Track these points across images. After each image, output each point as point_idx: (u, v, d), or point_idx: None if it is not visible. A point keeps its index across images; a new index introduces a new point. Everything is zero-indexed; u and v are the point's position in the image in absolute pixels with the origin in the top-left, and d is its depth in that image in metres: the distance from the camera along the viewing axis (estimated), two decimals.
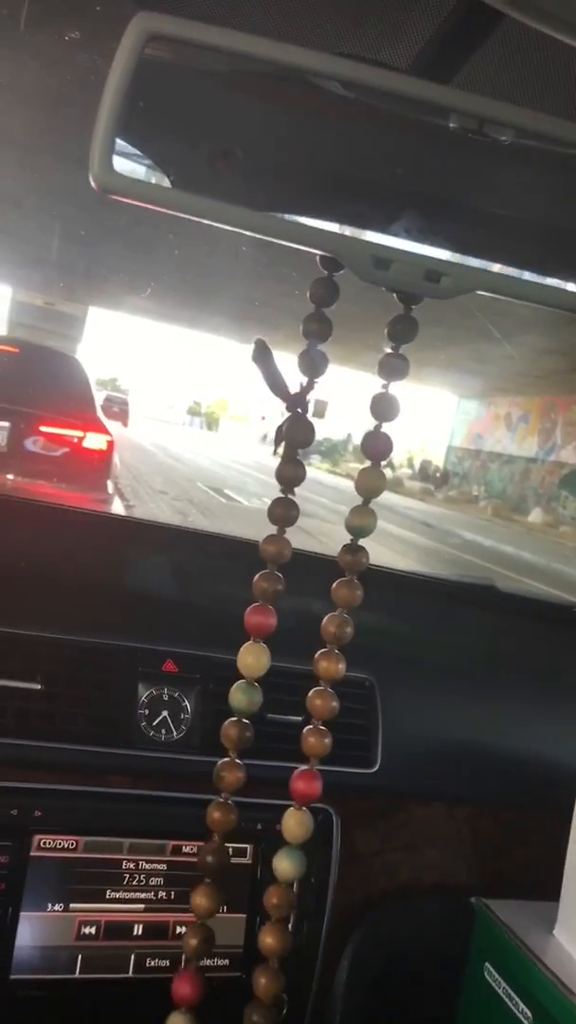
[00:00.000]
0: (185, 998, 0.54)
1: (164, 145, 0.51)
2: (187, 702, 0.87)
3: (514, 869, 1.00)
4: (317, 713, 0.56)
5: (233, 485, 10.73)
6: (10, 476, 3.83)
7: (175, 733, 0.86)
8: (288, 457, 0.59)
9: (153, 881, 0.83)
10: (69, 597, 0.91)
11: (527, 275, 0.57)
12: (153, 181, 0.50)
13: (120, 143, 0.48)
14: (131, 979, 0.81)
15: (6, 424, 4.10)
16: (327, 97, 0.56)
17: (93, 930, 0.80)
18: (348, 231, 0.56)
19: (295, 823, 0.55)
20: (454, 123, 0.54)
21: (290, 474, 0.59)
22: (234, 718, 0.55)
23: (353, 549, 0.59)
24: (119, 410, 10.75)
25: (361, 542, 0.58)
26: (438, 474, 16.82)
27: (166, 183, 0.51)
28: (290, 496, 0.59)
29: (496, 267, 0.59)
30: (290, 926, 0.82)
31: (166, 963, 0.82)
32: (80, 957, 0.79)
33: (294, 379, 0.60)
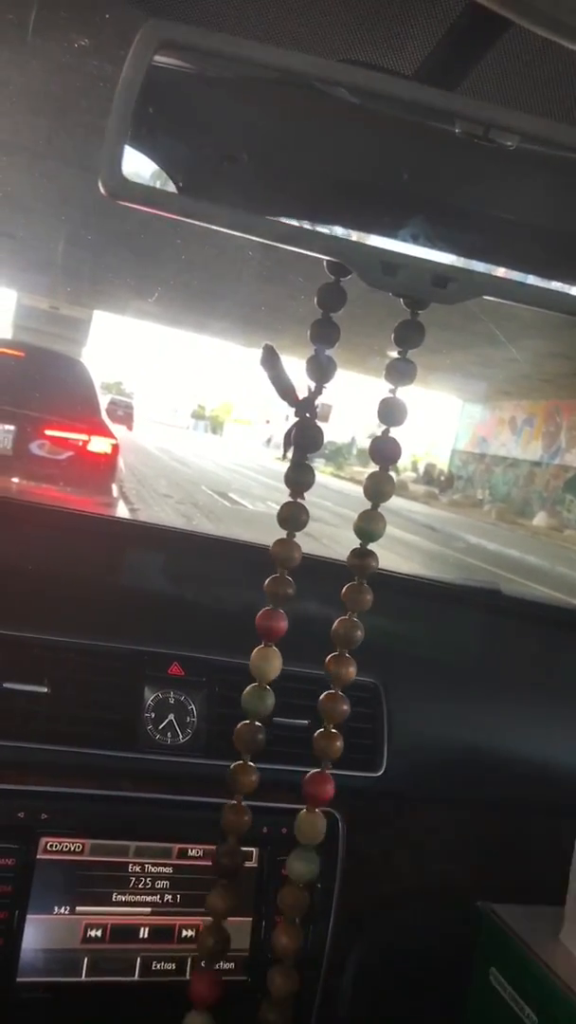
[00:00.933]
0: (202, 997, 0.55)
1: (173, 151, 0.52)
2: (193, 705, 0.87)
3: (520, 873, 1.00)
4: (328, 716, 0.56)
5: (238, 489, 10.73)
6: (15, 480, 3.84)
7: (181, 736, 0.86)
8: (297, 461, 0.60)
9: (159, 884, 0.83)
10: (75, 600, 0.91)
11: (532, 279, 0.57)
12: (162, 187, 0.51)
13: (129, 149, 0.49)
14: (137, 982, 0.81)
15: (11, 428, 4.12)
16: (334, 103, 0.56)
17: (99, 933, 0.80)
18: (355, 236, 0.56)
19: (308, 825, 0.55)
20: (460, 128, 0.54)
21: (299, 478, 0.59)
22: (247, 721, 0.56)
23: (362, 553, 0.59)
24: (124, 413, 10.77)
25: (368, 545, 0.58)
26: (442, 478, 16.81)
27: (174, 189, 0.51)
28: (299, 500, 0.59)
29: (501, 271, 0.59)
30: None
31: (172, 966, 0.82)
32: (86, 960, 0.80)
33: (302, 383, 0.61)
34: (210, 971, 0.56)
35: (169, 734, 0.86)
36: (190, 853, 0.85)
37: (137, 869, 0.83)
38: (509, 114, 0.49)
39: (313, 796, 0.56)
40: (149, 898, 0.82)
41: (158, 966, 0.82)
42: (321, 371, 0.59)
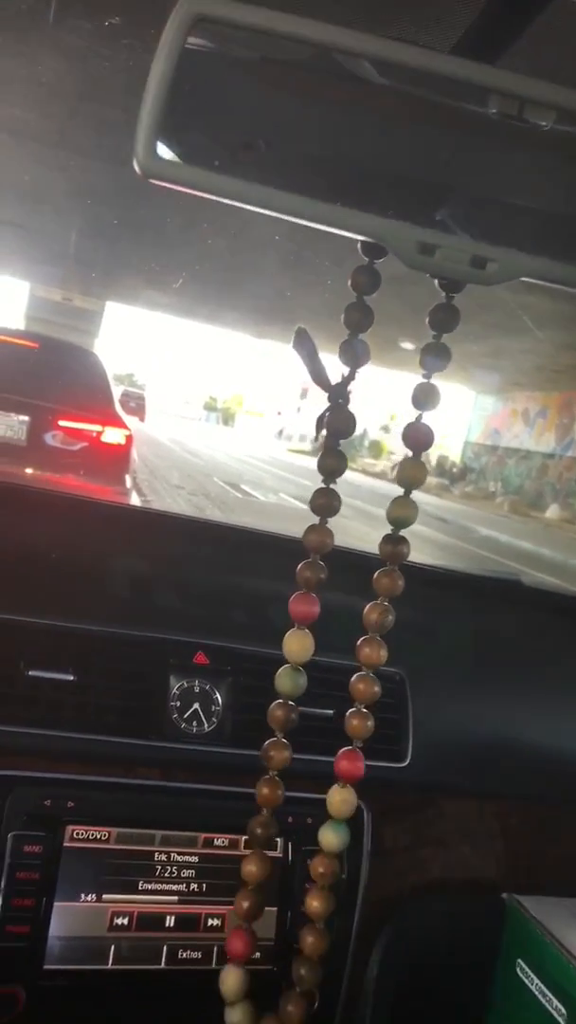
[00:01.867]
0: (237, 953, 0.58)
1: (208, 131, 0.51)
2: (218, 694, 0.87)
3: (546, 865, 0.99)
4: (360, 697, 0.58)
5: (249, 480, 10.74)
6: (29, 470, 3.84)
7: (206, 725, 0.86)
8: (329, 448, 0.59)
9: (185, 873, 0.83)
10: (99, 589, 0.91)
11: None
12: (197, 167, 0.50)
13: (164, 130, 0.48)
14: (163, 970, 0.81)
15: (26, 418, 4.12)
16: (369, 86, 0.56)
17: (126, 921, 0.80)
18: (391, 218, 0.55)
19: (340, 800, 0.58)
20: (494, 108, 0.53)
21: (331, 465, 0.59)
22: (280, 700, 0.58)
23: (394, 540, 0.60)
24: (136, 405, 10.78)
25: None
26: (455, 469, 16.75)
27: (210, 169, 0.50)
28: (332, 486, 0.59)
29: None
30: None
31: (198, 955, 0.82)
32: (113, 948, 0.79)
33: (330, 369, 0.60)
34: (244, 929, 0.59)
35: (194, 723, 0.85)
36: (216, 843, 0.84)
37: (163, 858, 0.82)
38: (547, 88, 0.48)
39: (345, 772, 0.58)
40: (175, 887, 0.82)
41: (184, 954, 0.82)
42: (355, 356, 0.59)
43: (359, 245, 0.57)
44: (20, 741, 0.79)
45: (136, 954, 0.80)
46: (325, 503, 0.59)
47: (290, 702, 0.59)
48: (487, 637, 1.12)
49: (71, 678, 0.82)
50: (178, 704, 0.85)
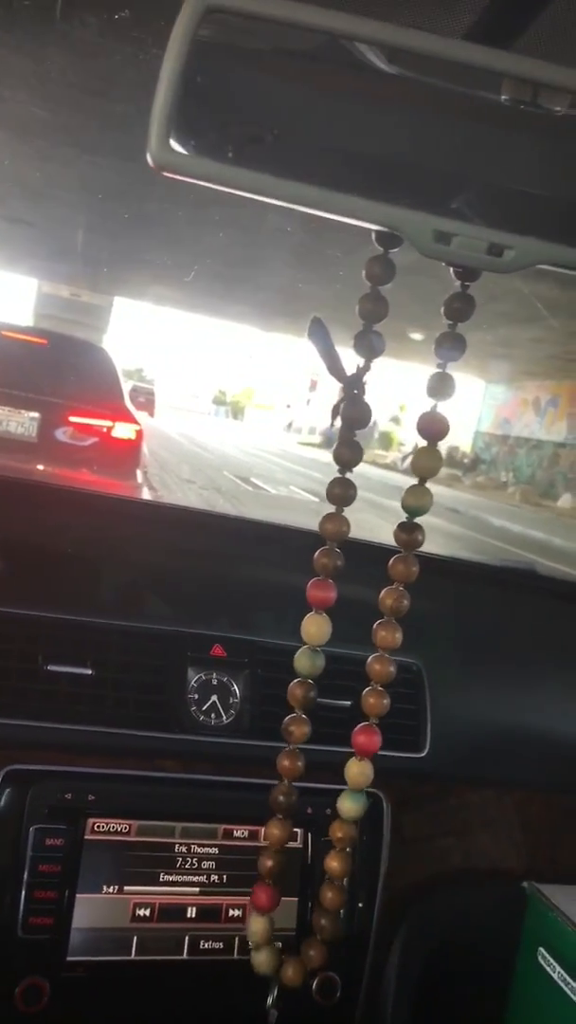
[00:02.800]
0: (262, 906, 0.62)
1: (221, 122, 0.51)
2: (235, 687, 0.87)
3: (567, 854, 0.99)
4: (376, 677, 0.60)
5: (260, 473, 10.73)
6: (40, 466, 3.85)
7: (224, 717, 0.86)
8: (345, 438, 0.59)
9: (206, 865, 0.83)
10: (116, 583, 0.91)
11: None
12: (210, 159, 0.50)
13: (176, 121, 0.48)
14: (186, 961, 0.81)
15: (36, 415, 4.13)
16: (382, 75, 0.55)
17: (147, 912, 0.81)
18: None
19: (357, 771, 0.61)
20: (509, 94, 0.53)
21: (347, 455, 0.59)
22: (299, 679, 0.60)
23: (409, 527, 0.61)
24: (145, 400, 10.78)
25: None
26: (465, 460, 16.69)
27: (223, 161, 0.50)
28: (348, 476, 0.60)
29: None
30: (341, 913, 0.83)
31: (220, 945, 0.83)
32: (135, 939, 0.80)
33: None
34: (267, 885, 0.63)
35: (212, 715, 0.86)
36: (235, 834, 0.85)
37: (183, 850, 0.83)
38: (561, 71, 0.48)
39: (361, 747, 0.61)
40: (196, 878, 0.83)
41: (206, 945, 0.82)
42: (370, 347, 0.58)
43: (373, 235, 0.57)
44: (40, 735, 0.80)
45: (158, 945, 0.81)
46: (341, 493, 0.60)
47: (309, 680, 0.61)
48: (503, 626, 1.12)
49: (89, 672, 0.82)
50: (196, 697, 0.86)
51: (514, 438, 16.56)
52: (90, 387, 4.50)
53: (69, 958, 0.78)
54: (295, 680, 0.61)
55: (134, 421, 4.51)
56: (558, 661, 1.10)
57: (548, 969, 0.87)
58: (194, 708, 0.85)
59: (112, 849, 0.80)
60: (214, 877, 0.84)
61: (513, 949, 0.91)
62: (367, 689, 0.61)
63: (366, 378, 0.59)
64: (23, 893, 0.77)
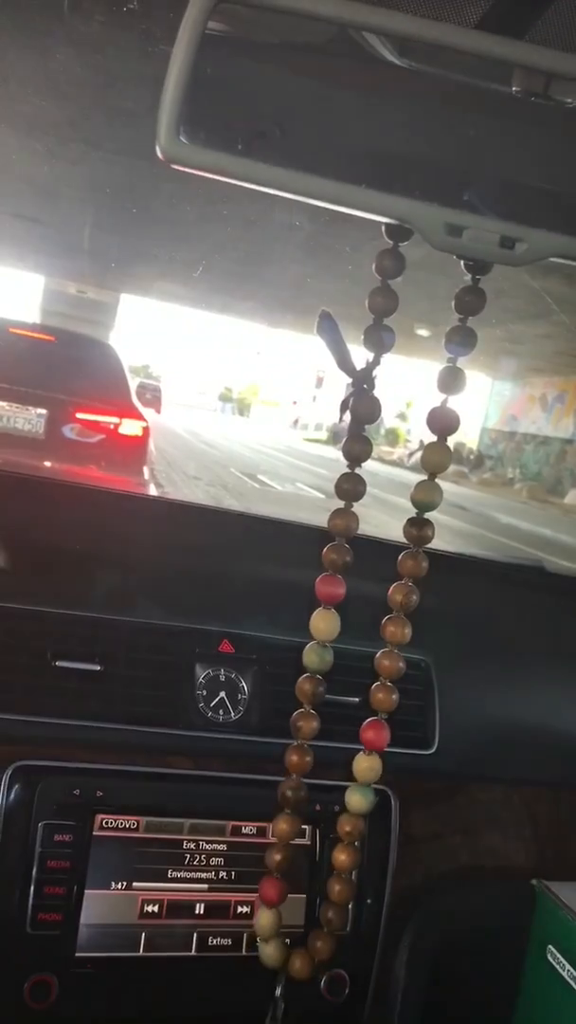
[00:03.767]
0: (270, 899, 0.64)
1: (230, 115, 0.50)
2: (244, 683, 0.87)
3: (575, 851, 0.99)
4: (385, 672, 0.61)
5: (265, 470, 10.72)
6: (47, 463, 3.86)
7: (233, 714, 0.86)
8: (354, 433, 0.59)
9: (214, 861, 0.83)
10: (123, 579, 0.91)
11: None
12: (219, 151, 0.49)
13: (185, 115, 0.48)
14: (194, 957, 0.81)
15: (43, 411, 4.13)
16: (392, 68, 0.55)
17: (156, 908, 0.81)
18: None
19: (366, 766, 0.62)
20: (519, 86, 0.53)
21: (357, 450, 0.59)
22: (307, 675, 0.61)
23: (419, 523, 0.61)
24: (152, 397, 10.77)
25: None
26: (472, 456, 16.65)
27: (233, 153, 0.50)
28: (357, 471, 0.59)
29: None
30: (349, 908, 0.83)
31: (228, 942, 0.83)
32: (144, 935, 0.80)
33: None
34: (274, 879, 0.64)
35: (221, 712, 0.85)
36: (244, 831, 0.85)
37: (192, 846, 0.83)
38: (572, 60, 0.47)
39: (370, 741, 0.62)
40: (204, 875, 0.83)
41: (214, 941, 0.82)
42: (380, 341, 0.58)
43: (383, 228, 0.56)
44: (48, 731, 0.80)
45: (167, 941, 0.81)
46: (350, 488, 0.60)
47: (317, 676, 0.62)
48: (512, 623, 1.11)
49: (98, 668, 0.82)
50: (204, 693, 0.85)
51: (521, 435, 16.51)
52: (97, 384, 4.49)
53: (78, 954, 0.78)
54: (303, 676, 0.62)
55: (141, 418, 4.51)
56: (566, 658, 1.09)
57: (557, 967, 0.86)
58: (202, 704, 0.85)
59: (121, 845, 0.80)
60: (222, 874, 0.83)
61: (522, 947, 0.91)
62: (376, 684, 0.61)
63: (375, 373, 0.59)
64: (32, 889, 0.77)
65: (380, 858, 0.88)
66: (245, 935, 0.83)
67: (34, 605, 0.82)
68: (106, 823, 0.80)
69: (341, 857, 0.63)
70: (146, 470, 4.88)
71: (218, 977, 0.82)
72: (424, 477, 0.59)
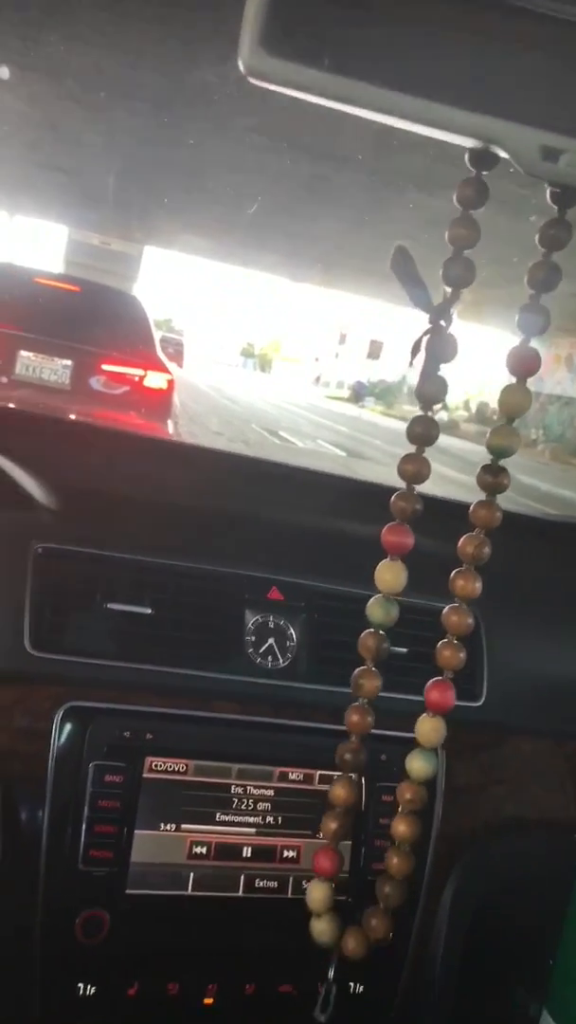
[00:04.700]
0: (324, 870, 0.60)
1: (318, 28, 0.47)
2: (292, 630, 0.86)
3: None
4: (453, 629, 0.58)
5: (287, 427, 10.68)
6: (72, 416, 3.84)
7: (281, 660, 0.85)
8: (429, 373, 0.57)
9: (261, 806, 0.83)
10: (174, 525, 0.90)
11: None
12: (305, 66, 0.46)
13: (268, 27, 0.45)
14: (241, 898, 0.82)
15: (69, 362, 4.11)
16: None
17: (204, 850, 0.81)
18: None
19: (430, 728, 0.58)
20: None
21: (431, 390, 0.56)
22: (371, 630, 0.57)
23: (494, 470, 0.58)
24: (174, 351, 10.71)
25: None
26: (495, 416, 16.45)
27: (319, 68, 0.47)
28: (430, 415, 0.57)
29: None
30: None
31: (274, 884, 0.83)
32: (192, 875, 0.81)
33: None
34: (330, 849, 0.60)
35: (270, 658, 0.85)
36: (291, 777, 0.85)
37: (239, 791, 0.83)
38: None
39: (435, 703, 0.58)
40: (252, 819, 0.83)
41: (261, 883, 0.83)
42: (459, 274, 0.56)
43: (467, 155, 0.54)
44: (98, 673, 0.80)
45: (214, 882, 0.82)
46: (423, 431, 0.57)
47: (381, 631, 0.58)
48: (558, 578, 1.10)
49: (148, 611, 0.82)
50: (253, 639, 0.85)
51: (545, 395, 16.30)
52: (122, 336, 4.46)
53: (128, 891, 0.79)
54: (367, 631, 0.58)
55: (166, 371, 4.48)
56: None
57: None
58: (251, 650, 0.85)
59: (170, 787, 0.81)
60: (269, 819, 0.84)
61: (565, 899, 0.91)
62: (442, 642, 0.58)
63: (454, 309, 0.57)
64: (83, 827, 0.77)
65: (426, 807, 0.88)
66: (291, 878, 0.84)
67: (86, 547, 0.82)
68: (156, 766, 0.80)
69: (401, 828, 0.59)
70: (171, 424, 4.86)
71: (263, 917, 0.83)
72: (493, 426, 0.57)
